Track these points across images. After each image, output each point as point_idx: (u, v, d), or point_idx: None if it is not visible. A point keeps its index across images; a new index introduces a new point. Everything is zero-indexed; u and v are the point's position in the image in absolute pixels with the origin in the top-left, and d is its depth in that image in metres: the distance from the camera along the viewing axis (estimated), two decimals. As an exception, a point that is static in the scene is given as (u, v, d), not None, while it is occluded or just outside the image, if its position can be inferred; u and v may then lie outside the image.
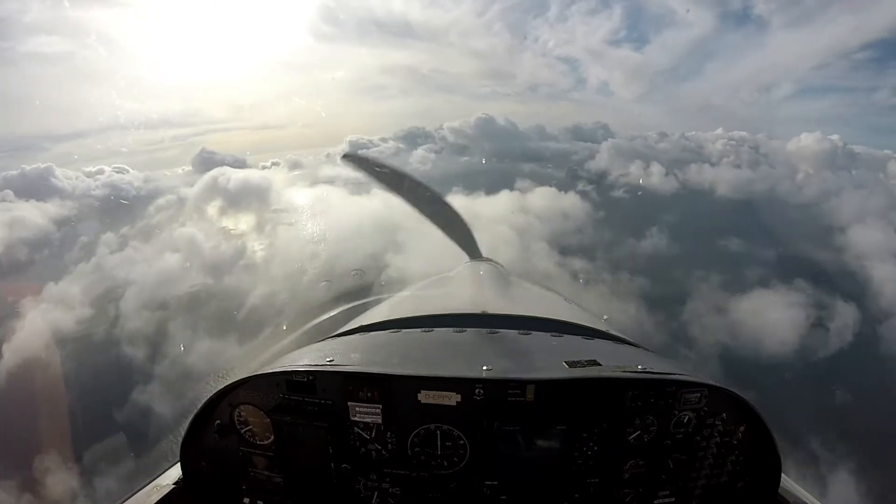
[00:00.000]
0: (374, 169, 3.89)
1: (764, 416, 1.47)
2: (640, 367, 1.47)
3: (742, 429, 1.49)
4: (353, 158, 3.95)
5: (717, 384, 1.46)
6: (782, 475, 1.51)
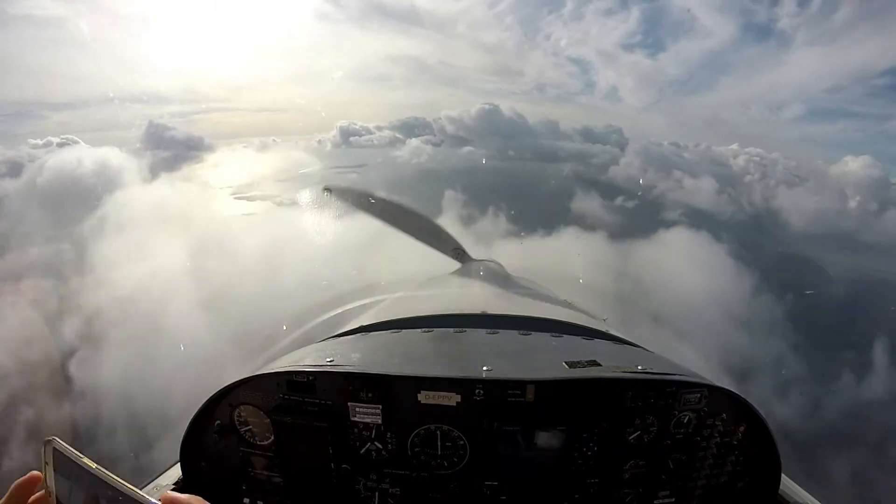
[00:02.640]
0: (356, 199, 4.01)
1: (764, 416, 1.47)
2: (640, 367, 1.48)
3: (742, 429, 1.49)
4: (335, 191, 4.08)
5: (717, 384, 1.46)
6: (782, 475, 1.51)
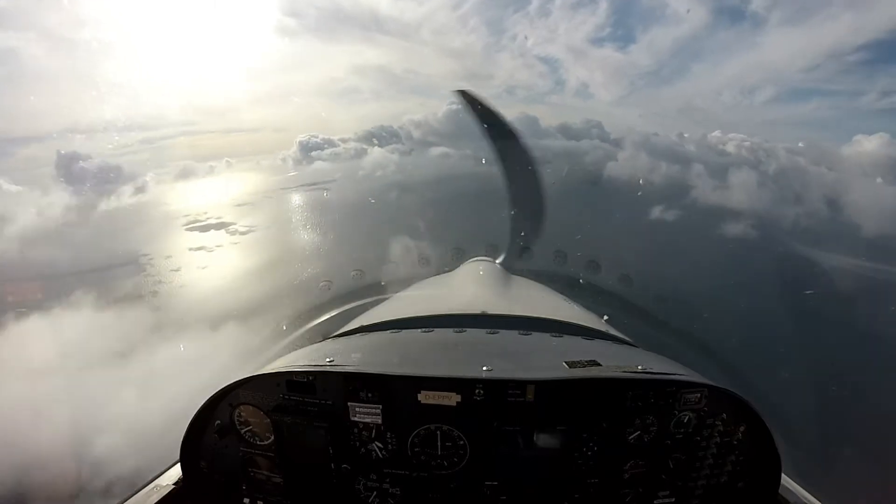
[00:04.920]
0: (480, 110, 3.61)
1: (764, 416, 1.47)
2: (640, 367, 1.47)
3: (742, 429, 1.49)
4: (466, 96, 3.69)
5: (717, 385, 1.46)
6: (782, 475, 1.51)
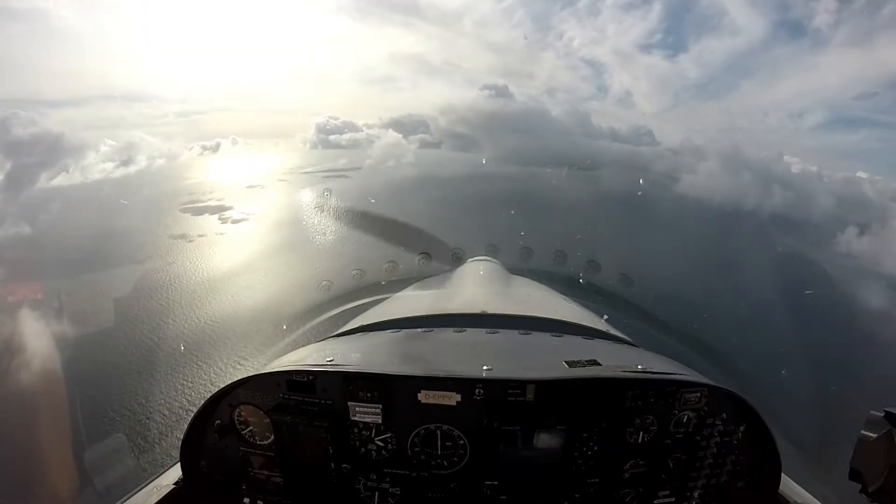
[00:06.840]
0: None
1: (764, 416, 1.47)
2: (639, 367, 1.47)
3: (742, 429, 1.49)
4: None
5: (717, 384, 1.46)
6: (782, 475, 1.51)
